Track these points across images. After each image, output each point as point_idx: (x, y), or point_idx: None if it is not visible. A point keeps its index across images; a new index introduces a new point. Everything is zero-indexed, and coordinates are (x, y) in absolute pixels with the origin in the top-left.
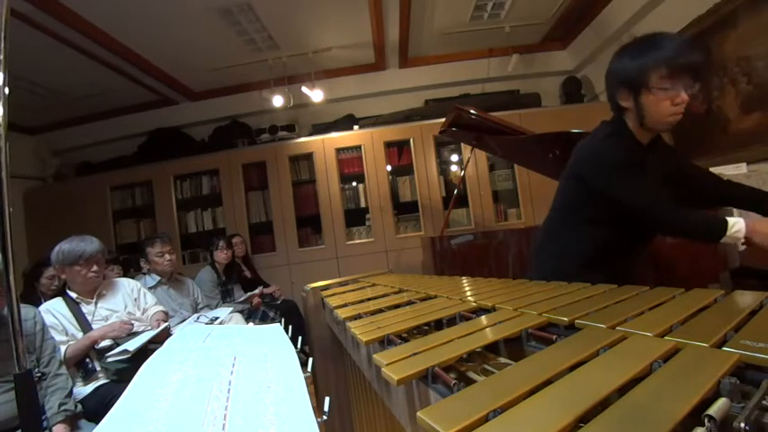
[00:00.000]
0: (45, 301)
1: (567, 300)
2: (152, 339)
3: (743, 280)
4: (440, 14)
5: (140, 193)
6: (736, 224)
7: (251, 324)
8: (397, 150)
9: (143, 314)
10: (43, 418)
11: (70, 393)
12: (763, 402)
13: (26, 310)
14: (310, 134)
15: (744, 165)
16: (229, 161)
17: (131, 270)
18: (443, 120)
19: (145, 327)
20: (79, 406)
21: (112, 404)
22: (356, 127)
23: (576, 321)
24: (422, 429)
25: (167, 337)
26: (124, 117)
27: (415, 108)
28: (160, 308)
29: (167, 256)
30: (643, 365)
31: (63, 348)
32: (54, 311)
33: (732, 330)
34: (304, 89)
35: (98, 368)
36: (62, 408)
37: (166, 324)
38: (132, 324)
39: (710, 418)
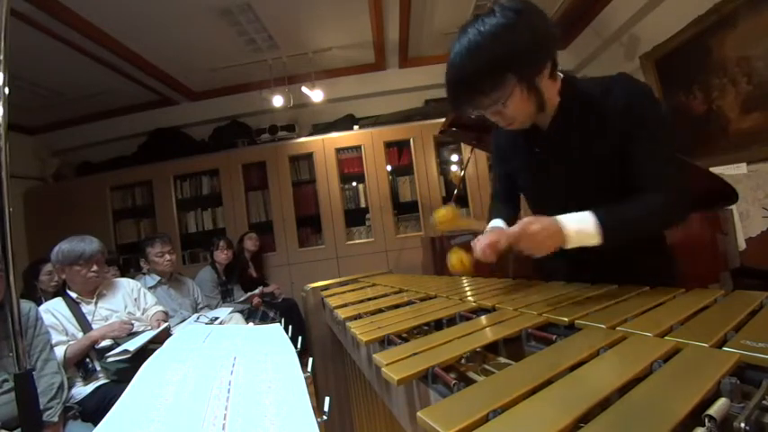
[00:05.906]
0: (46, 298)
1: (567, 300)
2: (152, 339)
3: (743, 280)
4: (440, 14)
5: (140, 193)
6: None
7: (251, 324)
8: (397, 150)
9: (143, 314)
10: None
11: (54, 398)
12: (764, 402)
13: (22, 305)
14: (310, 134)
15: (744, 165)
16: (229, 161)
17: (131, 270)
18: (443, 120)
19: (145, 327)
20: (75, 408)
21: (112, 404)
22: (356, 127)
23: (576, 321)
24: (422, 429)
25: (167, 337)
26: (124, 117)
27: (415, 108)
28: (160, 308)
29: (167, 256)
30: (643, 365)
31: (63, 348)
32: (54, 311)
33: (732, 330)
34: (304, 89)
35: (98, 368)
36: None
37: (166, 324)
38: (132, 324)
39: (711, 418)
